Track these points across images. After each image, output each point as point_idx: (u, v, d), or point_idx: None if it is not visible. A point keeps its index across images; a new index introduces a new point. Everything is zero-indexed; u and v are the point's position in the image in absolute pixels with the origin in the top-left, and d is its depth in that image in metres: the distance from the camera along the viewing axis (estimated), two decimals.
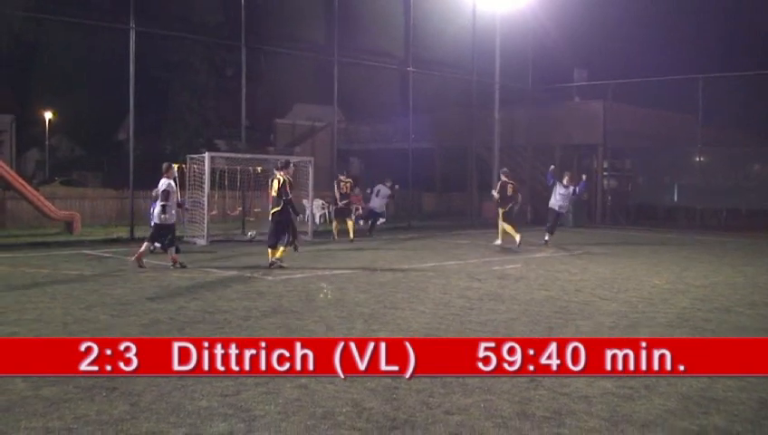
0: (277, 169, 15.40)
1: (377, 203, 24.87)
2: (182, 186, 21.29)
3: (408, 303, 11.17)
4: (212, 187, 20.94)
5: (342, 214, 22.64)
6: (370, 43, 33.19)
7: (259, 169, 23.47)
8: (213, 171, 21.08)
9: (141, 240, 19.61)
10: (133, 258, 15.07)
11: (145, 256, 15.19)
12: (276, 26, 33.74)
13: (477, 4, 31.65)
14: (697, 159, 30.58)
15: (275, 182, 15.05)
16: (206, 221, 20.37)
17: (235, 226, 23.74)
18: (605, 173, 33.41)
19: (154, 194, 15.79)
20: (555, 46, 36.21)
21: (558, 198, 20.87)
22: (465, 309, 10.73)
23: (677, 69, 33.55)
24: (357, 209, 29.15)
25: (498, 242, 20.72)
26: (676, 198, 32.03)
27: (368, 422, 5.87)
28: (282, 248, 15.13)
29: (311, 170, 22.48)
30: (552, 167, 21.69)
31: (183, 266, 14.96)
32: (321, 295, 10.62)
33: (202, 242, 20.16)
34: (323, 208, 27.46)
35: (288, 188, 14.90)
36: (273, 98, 42.07)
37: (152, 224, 16.18)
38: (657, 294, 12.46)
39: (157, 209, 15.33)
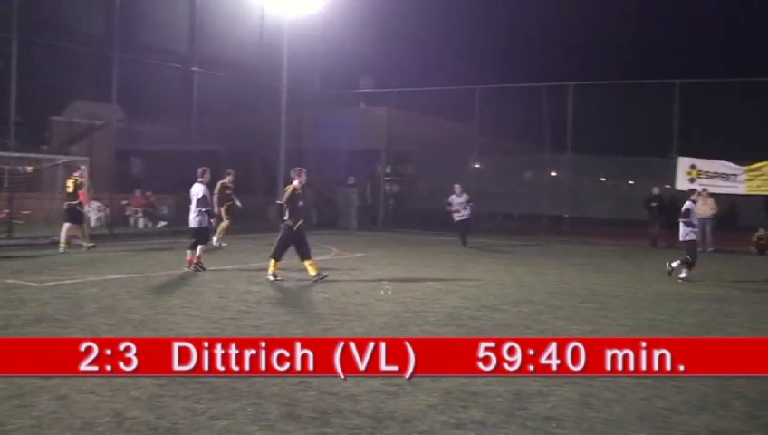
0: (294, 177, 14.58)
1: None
2: None
3: (182, 308, 10.89)
4: None
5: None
6: (154, 39, 32.13)
7: (29, 168, 22.10)
8: None
9: None
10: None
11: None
12: (52, 17, 31.87)
13: (265, 8, 31.53)
14: (474, 165, 32.09)
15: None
16: None
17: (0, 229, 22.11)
18: (387, 178, 34.31)
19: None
20: (342, 53, 36.79)
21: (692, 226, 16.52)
22: (242, 313, 10.63)
23: (457, 79, 35.08)
24: (136, 212, 28.18)
25: (215, 240, 20.79)
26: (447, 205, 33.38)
27: (128, 432, 5.67)
28: (274, 262, 14.31)
29: (86, 171, 21.37)
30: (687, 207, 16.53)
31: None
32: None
33: None
34: (100, 211, 26.26)
35: (290, 196, 14.16)
36: (50, 94, 39.65)
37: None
38: (430, 295, 12.93)
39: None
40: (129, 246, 20.73)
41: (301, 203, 14.39)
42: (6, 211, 22.34)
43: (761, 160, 25.02)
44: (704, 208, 24.18)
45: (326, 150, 33.88)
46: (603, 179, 33.23)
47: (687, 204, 16.58)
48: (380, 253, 20.83)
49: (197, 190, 15.73)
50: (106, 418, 5.93)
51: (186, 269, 15.38)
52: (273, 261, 14.33)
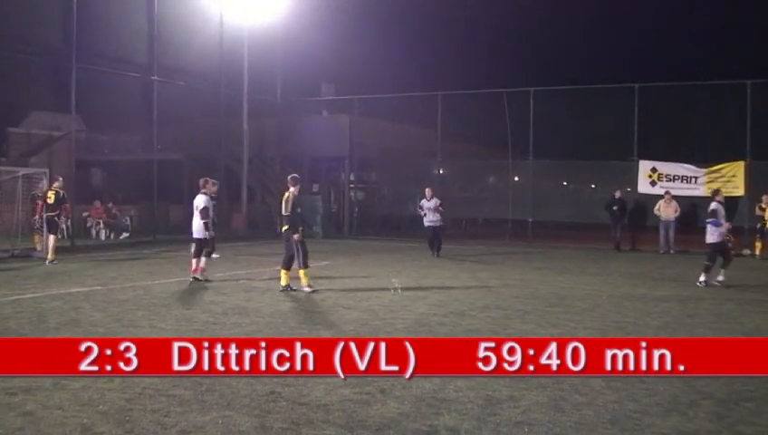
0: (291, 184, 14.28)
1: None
2: None
3: (147, 320, 10.75)
4: None
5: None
6: (113, 48, 31.80)
7: None
8: None
9: None
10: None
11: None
12: (8, 27, 31.39)
13: (225, 15, 31.38)
14: (437, 171, 32.18)
15: (283, 198, 14.20)
16: None
17: None
18: (351, 185, 34.28)
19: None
20: (303, 61, 36.76)
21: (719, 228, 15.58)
22: (209, 324, 10.51)
23: (419, 86, 35.23)
24: (98, 223, 27.88)
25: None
26: (417, 209, 33.44)
27: None
28: (303, 272, 13.96)
29: (45, 183, 21.07)
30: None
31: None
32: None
33: None
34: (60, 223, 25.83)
35: (291, 204, 13.91)
36: (6, 104, 39.04)
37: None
38: (397, 301, 12.90)
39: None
40: (92, 258, 20.45)
41: (299, 210, 14.21)
42: None
43: (720, 162, 25.43)
44: (668, 211, 24.55)
45: (289, 158, 33.78)
46: (565, 184, 33.54)
47: (713, 204, 15.73)
48: (346, 260, 20.78)
49: (199, 201, 15.59)
50: (74, 433, 5.82)
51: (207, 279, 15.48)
52: (303, 271, 14.01)
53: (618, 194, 26.02)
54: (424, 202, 22.83)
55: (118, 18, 31.75)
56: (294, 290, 13.90)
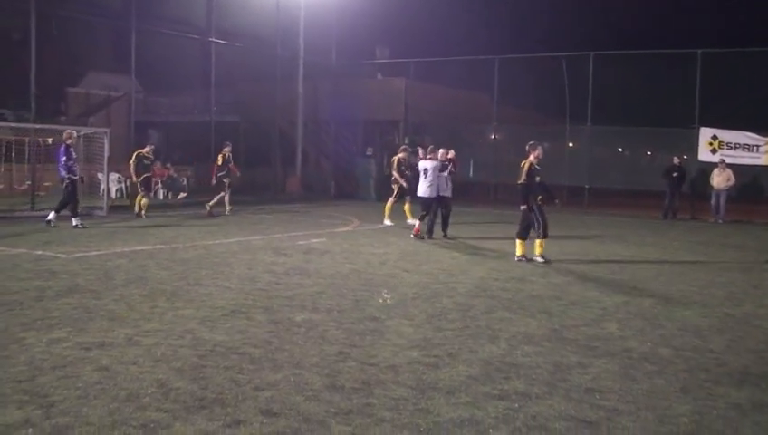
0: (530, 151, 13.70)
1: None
2: None
3: (212, 279, 10.90)
4: None
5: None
6: (171, 10, 32.04)
7: (50, 140, 22.09)
8: None
9: None
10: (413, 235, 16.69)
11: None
12: None
13: None
14: (492, 136, 31.90)
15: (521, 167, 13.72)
16: None
17: (22, 201, 22.19)
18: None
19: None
20: (358, 23, 36.59)
21: None
22: (272, 284, 10.64)
23: (475, 49, 34.80)
24: (156, 183, 28.28)
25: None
26: (471, 174, 33.22)
27: (175, 403, 5.66)
28: (539, 242, 13.65)
29: (106, 142, 21.40)
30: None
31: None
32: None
33: None
34: (120, 183, 26.31)
35: (524, 173, 13.41)
36: (65, 64, 39.60)
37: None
38: (455, 265, 12.91)
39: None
40: (151, 218, 20.75)
41: (538, 178, 13.56)
42: (28, 183, 22.42)
43: None
44: (718, 180, 24.11)
45: (343, 121, 33.78)
46: (620, 150, 33.02)
47: None
48: (402, 224, 20.73)
49: (432, 165, 16.98)
50: (151, 389, 5.95)
51: (412, 236, 17.03)
52: (519, 241, 13.76)
53: (677, 160, 25.46)
54: (425, 163, 17.42)
55: None
56: (530, 260, 13.57)
